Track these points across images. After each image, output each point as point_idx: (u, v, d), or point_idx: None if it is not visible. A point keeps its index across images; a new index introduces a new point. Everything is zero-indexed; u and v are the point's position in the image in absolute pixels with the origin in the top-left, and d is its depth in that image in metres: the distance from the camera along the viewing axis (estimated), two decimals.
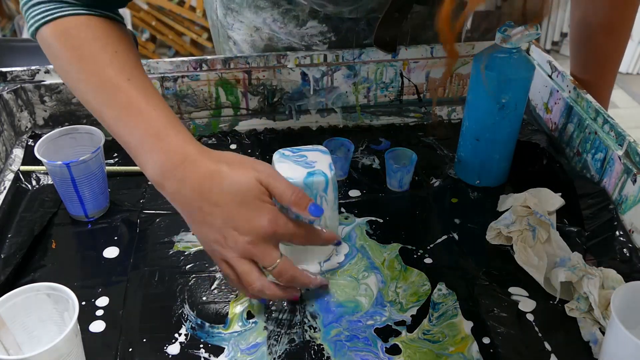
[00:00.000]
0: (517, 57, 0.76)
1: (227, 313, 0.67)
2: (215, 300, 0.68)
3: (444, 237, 0.77)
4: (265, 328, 0.65)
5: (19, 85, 0.92)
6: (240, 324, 0.66)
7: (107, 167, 0.88)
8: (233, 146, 0.94)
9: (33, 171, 0.87)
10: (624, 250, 0.71)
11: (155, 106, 0.61)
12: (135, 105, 0.60)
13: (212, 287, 0.70)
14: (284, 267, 0.61)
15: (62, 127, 0.81)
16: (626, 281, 0.65)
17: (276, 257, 0.61)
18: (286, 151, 0.71)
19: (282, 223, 0.60)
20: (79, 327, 0.56)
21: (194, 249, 0.75)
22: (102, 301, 0.68)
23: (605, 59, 0.87)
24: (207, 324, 0.66)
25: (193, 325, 0.65)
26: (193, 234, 0.64)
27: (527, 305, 0.68)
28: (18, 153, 0.91)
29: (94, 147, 0.77)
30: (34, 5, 0.63)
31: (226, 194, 0.59)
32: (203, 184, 0.59)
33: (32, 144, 0.91)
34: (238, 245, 0.59)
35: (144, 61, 0.93)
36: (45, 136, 0.78)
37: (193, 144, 0.61)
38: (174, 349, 0.63)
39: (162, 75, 0.94)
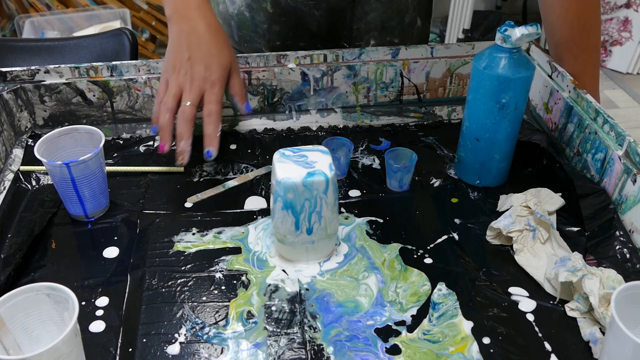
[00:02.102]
0: (517, 57, 0.76)
1: (227, 313, 0.67)
2: (215, 300, 0.68)
3: (444, 237, 0.77)
4: (265, 328, 0.65)
5: (19, 85, 0.92)
6: (240, 324, 0.66)
7: (107, 167, 0.88)
8: (233, 146, 0.94)
9: (33, 171, 0.87)
10: (624, 250, 0.71)
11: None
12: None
13: (212, 287, 0.70)
14: (188, 110, 0.81)
15: (62, 127, 0.80)
16: (626, 281, 0.65)
17: (192, 100, 0.81)
18: (286, 151, 0.71)
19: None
20: (78, 327, 0.56)
21: (194, 249, 0.75)
22: (102, 301, 0.68)
23: (585, 54, 0.91)
24: (207, 324, 0.66)
25: (193, 325, 0.65)
26: (168, 53, 0.83)
27: (527, 305, 0.68)
28: (18, 153, 0.91)
29: (94, 147, 0.77)
30: None
31: (211, 48, 0.83)
32: (208, 36, 0.83)
33: (32, 144, 0.91)
34: (191, 69, 0.82)
35: (144, 61, 0.94)
36: (44, 136, 0.78)
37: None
38: (174, 349, 0.63)
39: None
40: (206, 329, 0.65)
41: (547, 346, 0.63)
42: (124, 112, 0.96)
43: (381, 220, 0.79)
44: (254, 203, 0.83)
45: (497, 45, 0.76)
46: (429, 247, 0.75)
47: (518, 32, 0.73)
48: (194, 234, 0.77)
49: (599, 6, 0.90)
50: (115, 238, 0.77)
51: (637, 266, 0.69)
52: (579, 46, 0.90)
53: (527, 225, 0.74)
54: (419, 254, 0.74)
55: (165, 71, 0.83)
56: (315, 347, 0.63)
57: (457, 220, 0.79)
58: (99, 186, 0.78)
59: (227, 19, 1.04)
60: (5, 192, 0.83)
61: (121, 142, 0.95)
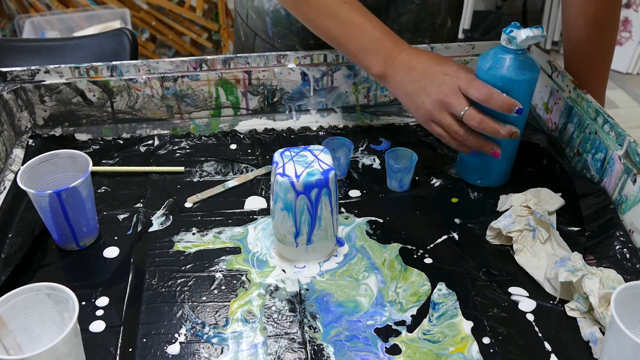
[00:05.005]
0: (522, 59, 0.76)
1: (227, 313, 0.67)
2: (215, 300, 0.68)
3: (444, 237, 0.77)
4: (265, 328, 0.65)
5: (19, 85, 0.92)
6: (240, 324, 0.66)
7: (107, 167, 0.88)
8: (233, 146, 0.94)
9: None
10: (624, 250, 0.71)
11: (370, 21, 0.80)
12: (355, 21, 0.80)
13: (212, 287, 0.70)
14: (471, 112, 0.75)
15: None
16: (626, 281, 0.65)
17: (465, 105, 0.75)
18: (286, 151, 0.71)
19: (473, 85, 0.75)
20: (78, 327, 0.56)
21: (194, 249, 0.75)
22: (102, 301, 0.68)
23: (597, 54, 0.90)
24: (207, 324, 0.66)
25: (193, 325, 0.65)
26: (411, 110, 0.80)
27: (527, 305, 0.68)
28: (18, 153, 0.91)
29: (77, 171, 0.72)
30: None
31: (436, 75, 0.77)
32: (425, 67, 0.78)
33: (32, 144, 0.91)
34: (437, 97, 0.76)
35: (144, 61, 0.94)
36: (25, 166, 0.72)
37: (406, 45, 0.80)
38: (174, 349, 0.63)
39: (162, 75, 0.94)
40: (206, 329, 0.65)
41: (547, 346, 0.63)
42: (124, 112, 0.96)
43: (381, 220, 0.79)
44: (254, 203, 0.83)
45: (501, 46, 0.76)
46: (429, 247, 0.75)
47: (523, 34, 0.73)
48: (194, 234, 0.78)
49: (618, 9, 0.89)
50: (116, 238, 0.77)
51: (637, 266, 0.69)
52: (592, 45, 0.89)
53: (527, 225, 0.74)
54: (419, 254, 0.74)
55: (423, 118, 0.79)
56: (315, 347, 0.63)
57: (457, 220, 0.79)
58: (91, 212, 0.74)
59: (261, 15, 1.03)
60: (5, 192, 0.83)
61: (121, 142, 0.95)
